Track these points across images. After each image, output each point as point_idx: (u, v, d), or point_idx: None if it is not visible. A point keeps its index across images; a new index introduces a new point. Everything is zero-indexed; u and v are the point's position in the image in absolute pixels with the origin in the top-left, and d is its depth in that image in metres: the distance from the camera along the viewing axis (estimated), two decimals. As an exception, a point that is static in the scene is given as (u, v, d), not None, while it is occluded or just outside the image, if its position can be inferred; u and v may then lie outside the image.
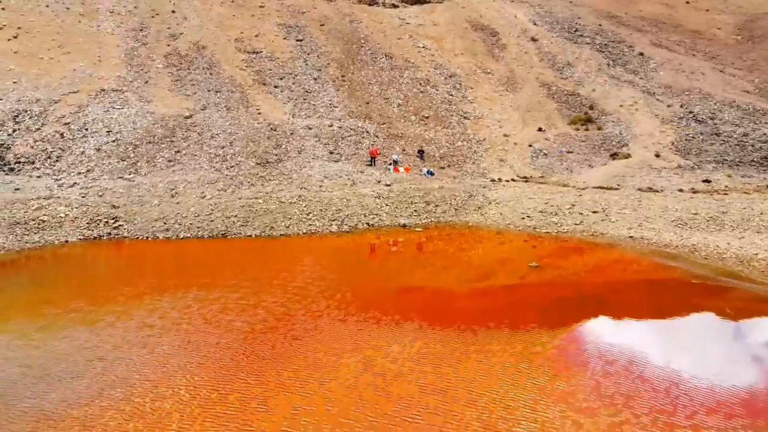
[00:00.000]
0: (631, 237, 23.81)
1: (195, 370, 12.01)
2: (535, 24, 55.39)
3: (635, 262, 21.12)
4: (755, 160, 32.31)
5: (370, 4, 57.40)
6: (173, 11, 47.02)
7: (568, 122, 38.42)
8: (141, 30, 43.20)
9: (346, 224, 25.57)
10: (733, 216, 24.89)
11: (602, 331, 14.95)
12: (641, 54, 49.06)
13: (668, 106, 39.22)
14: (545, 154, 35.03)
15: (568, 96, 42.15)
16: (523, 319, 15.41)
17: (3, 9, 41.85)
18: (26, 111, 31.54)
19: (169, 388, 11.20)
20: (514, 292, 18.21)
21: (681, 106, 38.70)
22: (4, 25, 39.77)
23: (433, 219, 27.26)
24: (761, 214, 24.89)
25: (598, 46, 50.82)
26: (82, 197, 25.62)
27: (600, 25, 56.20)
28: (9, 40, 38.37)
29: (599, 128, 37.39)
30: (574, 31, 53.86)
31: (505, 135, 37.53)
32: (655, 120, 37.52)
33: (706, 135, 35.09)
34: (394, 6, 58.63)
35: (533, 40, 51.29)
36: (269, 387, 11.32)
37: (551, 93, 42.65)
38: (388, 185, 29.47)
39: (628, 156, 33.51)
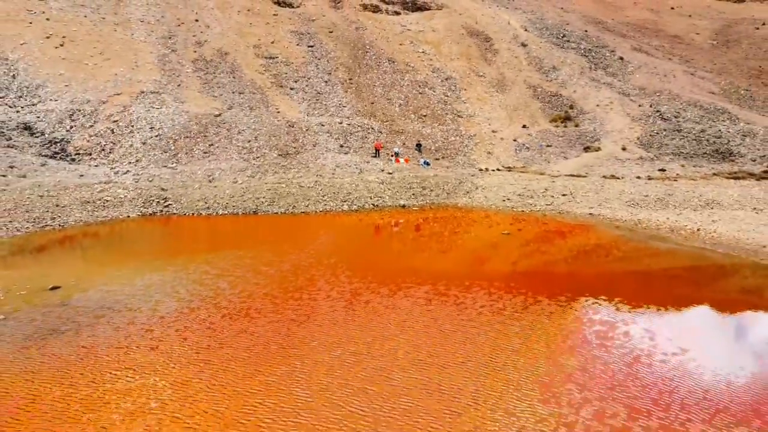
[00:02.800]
0: (590, 214, 28.92)
1: (242, 298, 17.14)
2: (526, 30, 60.34)
3: (597, 233, 26.28)
4: (707, 152, 37.32)
5: (374, 12, 62.44)
6: (196, 20, 52.15)
7: (549, 120, 43.49)
8: (170, 38, 48.36)
9: (355, 204, 30.75)
10: (677, 198, 29.95)
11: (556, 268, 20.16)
12: (621, 58, 53.99)
13: (639, 105, 44.22)
14: (527, 148, 40.16)
15: (551, 97, 47.20)
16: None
17: (48, 20, 47.08)
18: (79, 110, 36.74)
19: (226, 307, 16.34)
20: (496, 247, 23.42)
21: (650, 106, 43.68)
22: (51, 35, 44.99)
23: (428, 201, 32.41)
24: (700, 196, 29.94)
25: (582, 51, 55.73)
26: (135, 182, 30.86)
27: (586, 31, 61.11)
28: (56, 48, 43.55)
29: (576, 125, 42.45)
30: (562, 37, 58.77)
31: (493, 131, 42.67)
32: (626, 118, 42.53)
33: (669, 131, 40.09)
34: (397, 13, 63.65)
35: (523, 45, 56.25)
36: (293, 306, 16.49)
37: (536, 94, 47.70)
38: (390, 173, 34.63)
39: (598, 149, 38.55)
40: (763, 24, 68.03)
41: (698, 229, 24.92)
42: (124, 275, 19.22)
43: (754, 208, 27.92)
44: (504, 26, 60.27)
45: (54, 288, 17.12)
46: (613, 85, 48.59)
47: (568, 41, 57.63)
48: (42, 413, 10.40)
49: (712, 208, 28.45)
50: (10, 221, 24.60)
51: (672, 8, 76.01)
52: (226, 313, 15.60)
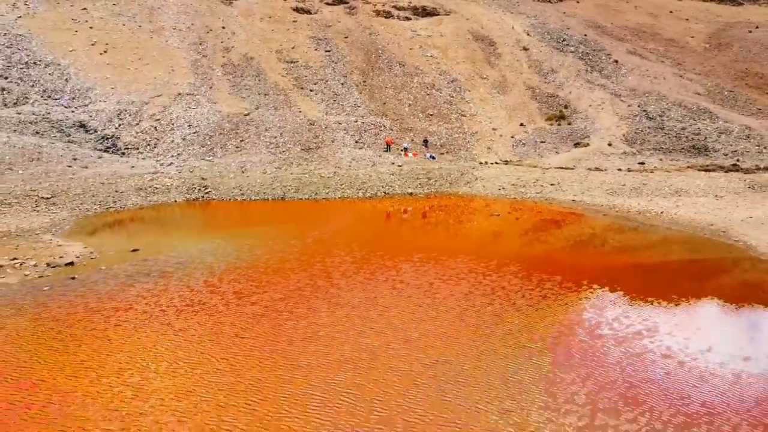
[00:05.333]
0: (573, 200, 33.29)
1: (275, 260, 21.88)
2: (528, 35, 64.40)
3: (580, 216, 30.76)
4: (684, 147, 41.37)
5: (386, 18, 66.80)
6: (223, 27, 56.89)
7: (545, 119, 47.75)
8: (200, 44, 53.18)
9: (369, 192, 35.38)
10: (650, 187, 34.21)
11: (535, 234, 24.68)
12: (616, 61, 57.94)
13: (628, 105, 48.28)
14: (523, 144, 44.49)
15: (548, 97, 51.41)
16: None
17: (91, 28, 52.12)
18: (125, 110, 41.65)
19: (263, 266, 21.06)
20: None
21: (638, 106, 47.73)
22: (96, 42, 50.01)
23: (432, 189, 36.95)
24: (671, 185, 34.16)
25: (580, 55, 59.70)
26: (179, 172, 35.68)
27: (585, 35, 64.97)
28: (101, 54, 48.54)
29: (569, 123, 46.65)
30: (562, 41, 62.76)
31: (493, 129, 47.04)
32: (615, 117, 46.66)
33: (653, 129, 44.18)
34: (407, 19, 67.87)
35: (525, 49, 60.42)
36: (317, 266, 21.17)
37: (535, 95, 51.95)
38: (399, 166, 39.22)
39: (587, 145, 42.74)
40: (757, 27, 71.53)
41: (661, 212, 29.25)
42: (183, 243, 24.00)
43: (716, 196, 32.13)
44: (508, 31, 64.42)
45: (134, 250, 21.94)
46: (607, 87, 52.66)
47: (568, 45, 61.64)
48: (142, 321, 15.26)
49: (679, 196, 32.67)
50: (81, 204, 29.51)
51: (671, 12, 79.30)
52: (264, 270, 20.28)
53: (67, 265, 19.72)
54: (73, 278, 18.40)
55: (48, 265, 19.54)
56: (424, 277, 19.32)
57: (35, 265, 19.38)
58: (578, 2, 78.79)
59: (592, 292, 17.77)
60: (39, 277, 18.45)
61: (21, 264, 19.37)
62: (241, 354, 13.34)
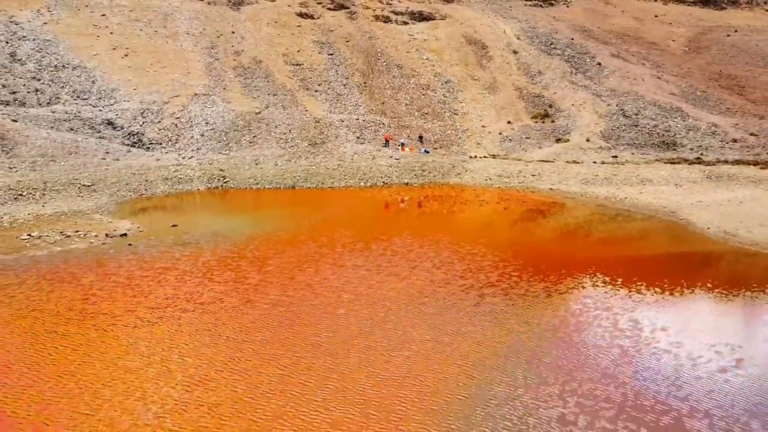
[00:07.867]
0: (551, 189, 37.54)
1: (289, 233, 26.09)
2: (518, 38, 68.62)
3: (558, 203, 35.02)
4: (655, 143, 45.62)
5: (385, 22, 70.98)
6: (233, 32, 61.11)
7: (531, 117, 52.01)
8: (212, 48, 57.36)
9: (369, 182, 39.62)
10: (619, 177, 38.45)
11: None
12: (599, 64, 62.13)
13: (608, 105, 52.48)
14: (510, 140, 48.74)
15: (534, 97, 55.65)
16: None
17: (111, 33, 56.28)
18: (148, 109, 45.84)
19: (277, 238, 25.28)
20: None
21: (616, 105, 51.97)
22: (117, 46, 54.16)
23: (427, 180, 41.19)
24: (638, 176, 38.40)
25: (566, 57, 63.87)
26: (199, 165, 39.88)
27: (572, 39, 69.15)
28: (122, 58, 52.69)
29: (552, 121, 50.89)
30: (550, 44, 66.96)
31: (483, 126, 51.31)
32: (594, 115, 50.88)
33: (628, 126, 48.41)
34: (405, 23, 72.05)
35: (515, 52, 64.63)
36: (323, 239, 25.41)
37: (522, 95, 56.20)
38: (397, 159, 43.44)
39: (567, 140, 46.96)
40: (735, 31, 75.79)
41: (625, 198, 33.54)
42: (210, 222, 28.30)
43: (676, 184, 36.39)
44: (500, 35, 68.66)
45: (173, 226, 26.18)
46: (589, 87, 56.85)
47: (555, 48, 65.82)
48: (189, 275, 19.52)
49: (644, 185, 36.91)
50: (118, 190, 33.75)
51: (656, 16, 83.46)
52: (279, 241, 24.48)
53: (121, 236, 23.95)
54: (130, 245, 22.64)
55: (106, 235, 23.79)
56: (411, 247, 23.46)
57: (96, 236, 23.63)
58: (568, 7, 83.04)
59: (546, 258, 22.03)
60: (102, 244, 22.69)
61: (84, 234, 23.63)
62: (263, 296, 17.51)
